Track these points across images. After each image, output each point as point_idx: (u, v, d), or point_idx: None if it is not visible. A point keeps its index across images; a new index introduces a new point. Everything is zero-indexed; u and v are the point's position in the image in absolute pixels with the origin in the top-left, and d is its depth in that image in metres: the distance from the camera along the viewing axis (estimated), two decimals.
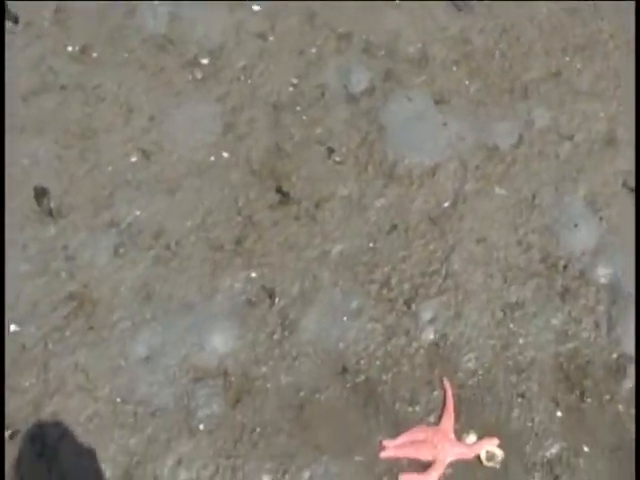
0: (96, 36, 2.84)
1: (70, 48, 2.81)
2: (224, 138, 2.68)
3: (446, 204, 2.58)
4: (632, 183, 2.61)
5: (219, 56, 2.84)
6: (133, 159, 2.62)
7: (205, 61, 2.82)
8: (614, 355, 2.32)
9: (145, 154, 2.63)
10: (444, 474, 2.11)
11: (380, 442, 2.15)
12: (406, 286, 2.43)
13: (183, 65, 2.80)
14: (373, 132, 2.72)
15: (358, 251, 2.49)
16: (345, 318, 2.36)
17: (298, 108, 2.77)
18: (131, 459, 2.10)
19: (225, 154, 2.65)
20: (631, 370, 2.28)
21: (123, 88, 2.77)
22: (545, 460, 2.14)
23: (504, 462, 2.13)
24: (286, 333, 2.32)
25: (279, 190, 2.60)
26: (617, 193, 2.60)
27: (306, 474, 2.10)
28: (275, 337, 2.32)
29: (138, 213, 2.52)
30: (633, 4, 2.47)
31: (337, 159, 2.66)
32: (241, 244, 2.49)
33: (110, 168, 2.61)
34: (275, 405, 2.20)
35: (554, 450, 2.16)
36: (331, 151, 2.68)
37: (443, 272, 2.45)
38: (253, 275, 2.42)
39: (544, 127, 2.74)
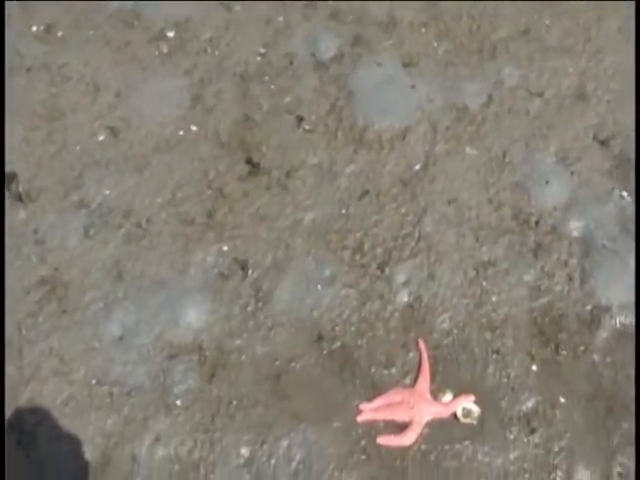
0: (61, 14, 2.78)
1: (35, 28, 2.75)
2: (192, 111, 2.64)
3: (417, 167, 2.54)
4: (602, 136, 2.55)
5: (185, 29, 2.79)
6: (101, 137, 2.58)
7: (171, 34, 2.77)
8: (588, 307, 2.31)
9: (113, 132, 2.58)
10: (421, 434, 2.10)
11: (357, 406, 2.13)
12: (379, 250, 2.40)
13: (149, 39, 2.76)
14: (342, 98, 2.68)
15: (330, 218, 2.46)
16: (319, 286, 2.33)
17: (266, 78, 2.73)
18: (109, 440, 2.08)
19: (194, 127, 2.61)
20: (605, 320, 2.27)
21: (89, 66, 2.72)
22: (521, 414, 2.13)
23: (480, 418, 2.12)
24: (260, 304, 2.30)
25: (249, 161, 2.56)
26: (588, 147, 2.57)
27: (284, 443, 2.09)
28: (249, 309, 2.29)
29: (107, 192, 2.48)
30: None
31: (307, 127, 2.62)
32: (212, 217, 2.45)
33: (78, 148, 2.56)
34: (251, 377, 2.19)
35: (530, 403, 2.15)
36: (300, 119, 2.64)
37: (415, 234, 2.42)
38: (225, 248, 2.40)
39: (514, 85, 2.71)
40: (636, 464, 1.95)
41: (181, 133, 2.59)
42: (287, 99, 2.68)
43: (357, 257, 2.40)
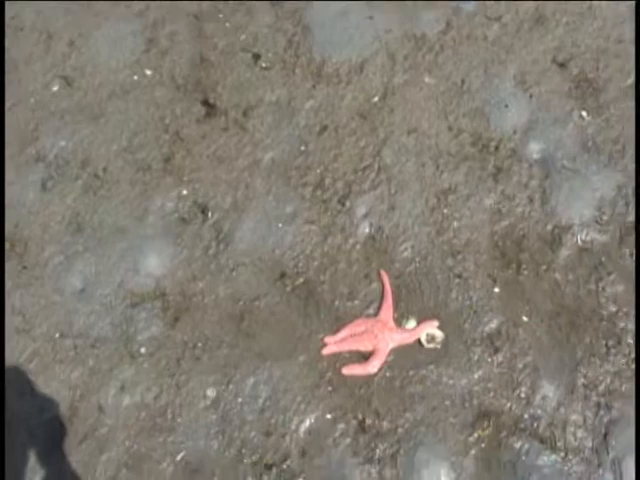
0: None
1: None
2: (146, 55, 2.55)
3: (375, 98, 2.47)
4: (561, 58, 2.48)
5: None
6: (55, 88, 2.49)
7: None
8: (549, 226, 2.27)
9: (67, 81, 2.48)
10: (386, 361, 2.08)
11: (321, 340, 2.11)
12: (339, 185, 2.35)
13: None
14: (299, 34, 2.59)
15: (290, 156, 2.39)
16: (280, 224, 2.28)
17: (221, 16, 2.62)
18: (74, 393, 2.04)
19: (148, 72, 2.52)
20: (566, 239, 2.24)
21: (41, 15, 2.61)
22: (485, 335, 2.11)
23: (444, 342, 2.10)
24: (221, 246, 2.25)
25: (205, 102, 2.48)
26: (547, 70, 2.50)
27: (250, 381, 2.07)
28: (210, 252, 2.24)
29: (63, 144, 2.40)
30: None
31: (263, 65, 2.53)
32: (170, 162, 2.38)
33: (32, 100, 2.46)
34: (215, 318, 2.15)
35: (493, 324, 2.13)
36: (257, 57, 2.55)
37: (375, 166, 2.36)
38: (184, 192, 2.33)
39: (471, 12, 2.61)
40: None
41: (136, 78, 2.51)
42: (242, 37, 2.58)
43: (318, 193, 2.34)
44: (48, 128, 2.43)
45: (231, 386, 2.06)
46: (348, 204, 2.32)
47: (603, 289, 2.17)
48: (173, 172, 2.36)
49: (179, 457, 1.98)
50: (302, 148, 2.40)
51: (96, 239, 2.25)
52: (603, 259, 2.21)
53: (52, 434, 1.98)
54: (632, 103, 2.40)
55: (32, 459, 1.95)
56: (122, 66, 2.53)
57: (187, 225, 2.28)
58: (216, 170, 2.37)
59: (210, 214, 2.30)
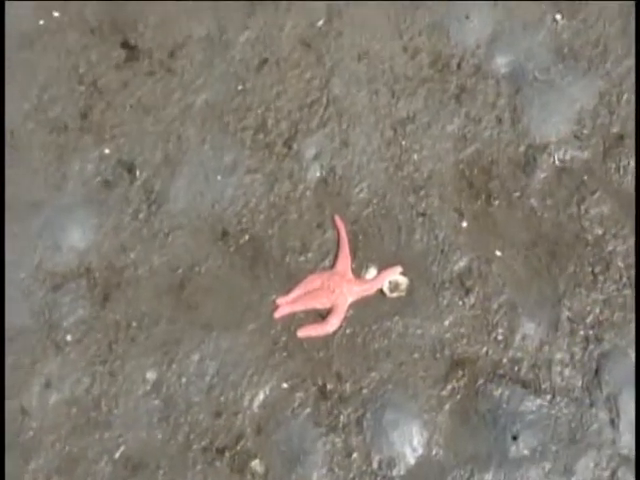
0: None
1: None
2: None
3: (320, 23, 2.50)
4: None
5: None
6: None
7: None
8: (521, 148, 2.30)
9: None
10: (346, 318, 2.13)
11: (273, 302, 2.15)
12: (284, 125, 2.38)
13: None
14: None
15: (225, 97, 2.41)
16: (219, 176, 2.32)
17: None
18: None
19: (56, 14, 2.53)
20: (542, 160, 2.27)
21: None
22: (454, 276, 2.16)
23: (409, 289, 2.15)
24: (153, 208, 2.28)
25: (125, 45, 2.49)
26: None
27: (195, 357, 2.10)
28: (141, 216, 2.27)
29: None
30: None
31: None
32: (87, 118, 2.40)
33: None
34: (151, 292, 2.18)
35: (462, 263, 2.17)
36: None
37: (324, 100, 2.39)
38: (106, 151, 2.36)
39: None
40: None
41: (42, 23, 2.51)
42: None
43: (260, 137, 2.37)
44: None
45: (173, 365, 2.09)
46: (295, 146, 2.34)
47: (586, 211, 2.21)
48: (92, 129, 2.38)
49: (118, 453, 2.02)
50: (239, 87, 2.43)
51: (8, 218, 2.27)
52: (585, 178, 2.25)
53: None
54: None
55: None
56: (24, 11, 2.53)
57: (112, 189, 2.31)
58: (142, 122, 2.38)
59: (138, 173, 2.32)
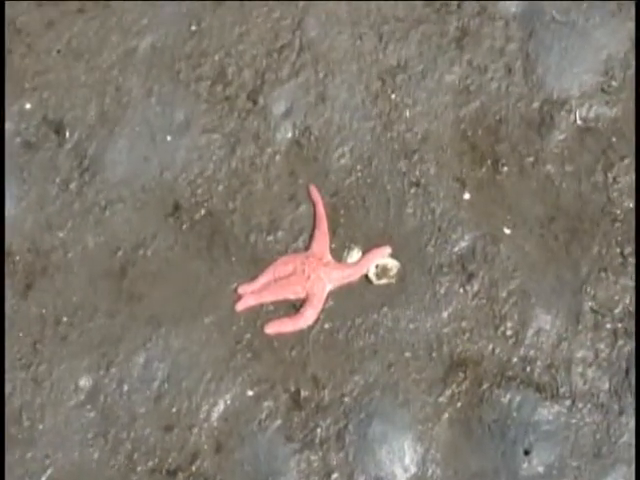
0: None
1: None
2: None
3: None
4: None
5: None
6: None
7: None
8: (535, 104, 2.29)
9: None
10: (324, 310, 2.10)
11: (235, 291, 2.13)
12: (247, 74, 2.36)
13: None
14: None
15: (176, 40, 2.39)
16: (168, 137, 2.29)
17: None
18: None
19: None
20: (560, 118, 2.26)
21: None
22: (454, 258, 2.14)
23: (400, 274, 2.13)
24: (86, 177, 2.25)
25: None
26: None
27: (139, 359, 2.08)
28: (72, 186, 2.24)
29: None
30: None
31: None
32: (4, 65, 2.35)
33: None
34: (84, 279, 2.16)
35: (464, 243, 2.16)
36: None
37: (296, 44, 2.37)
38: (27, 106, 2.32)
39: None
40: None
41: None
42: None
43: (218, 88, 2.35)
44: None
45: (113, 369, 2.07)
46: (261, 101, 2.33)
47: (615, 180, 2.20)
48: (10, 79, 2.34)
49: (44, 477, 2.00)
50: (193, 28, 2.40)
51: None
52: (613, 140, 2.24)
53: None
54: None
55: None
56: None
57: (35, 152, 2.28)
58: (72, 70, 2.36)
59: (67, 133, 2.30)
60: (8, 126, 2.31)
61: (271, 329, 2.10)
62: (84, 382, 2.08)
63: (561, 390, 2.04)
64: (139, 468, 2.00)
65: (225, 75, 2.37)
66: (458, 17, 2.39)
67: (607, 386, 2.03)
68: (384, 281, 2.13)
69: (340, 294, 2.13)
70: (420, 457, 2.00)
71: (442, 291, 2.13)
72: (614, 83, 2.30)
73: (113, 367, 2.09)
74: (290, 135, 2.30)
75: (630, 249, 2.13)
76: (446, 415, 2.03)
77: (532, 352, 2.07)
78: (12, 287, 2.15)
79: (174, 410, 2.05)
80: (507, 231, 2.17)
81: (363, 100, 2.33)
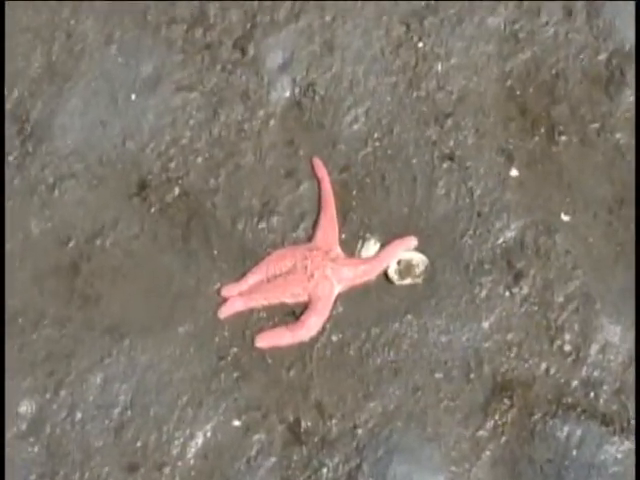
0: None
1: None
2: None
3: None
4: None
5: None
6: None
7: None
8: (602, 56, 2.30)
9: None
10: (330, 317, 2.10)
11: (217, 292, 2.13)
12: (234, 16, 2.37)
13: None
14: None
15: None
16: (133, 96, 2.31)
17: None
18: None
19: None
20: (632, 75, 2.26)
21: None
22: (498, 253, 2.14)
23: (429, 272, 2.13)
24: (30, 147, 2.28)
25: None
26: None
27: (96, 379, 2.08)
28: (11, 158, 2.27)
29: None
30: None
31: None
32: None
33: None
34: (27, 277, 2.17)
35: (511, 233, 2.16)
36: None
37: None
38: None
39: None
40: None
41: None
42: None
43: (198, 33, 2.37)
44: None
45: (62, 392, 2.08)
46: (251, 50, 2.35)
47: None
48: None
49: None
50: None
51: None
52: None
53: None
54: None
55: None
56: None
57: None
58: (12, 10, 2.38)
59: (6, 91, 2.32)
60: None
61: (264, 342, 2.10)
62: (25, 408, 2.08)
63: (632, 422, 2.02)
64: None
65: (206, 17, 2.39)
66: None
67: None
68: (408, 281, 2.14)
69: (352, 298, 2.14)
70: None
71: (482, 295, 2.14)
72: None
73: (62, 389, 2.09)
74: (288, 94, 2.33)
75: None
76: (487, 453, 2.02)
77: (597, 373, 2.07)
78: None
79: (139, 444, 2.05)
80: (565, 218, 2.18)
81: (382, 49, 2.34)
